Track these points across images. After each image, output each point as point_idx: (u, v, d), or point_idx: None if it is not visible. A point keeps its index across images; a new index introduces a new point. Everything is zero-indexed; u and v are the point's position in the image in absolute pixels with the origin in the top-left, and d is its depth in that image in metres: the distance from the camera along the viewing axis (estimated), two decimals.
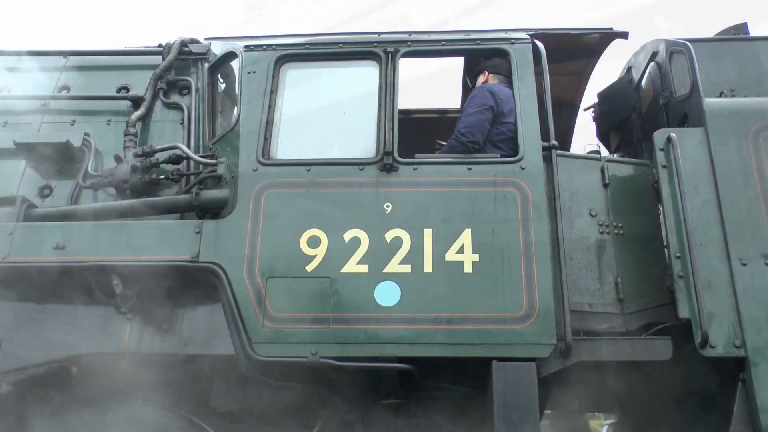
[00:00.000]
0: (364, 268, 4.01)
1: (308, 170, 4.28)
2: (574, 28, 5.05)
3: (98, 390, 4.32)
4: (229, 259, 4.07)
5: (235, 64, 4.91)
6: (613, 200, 4.44)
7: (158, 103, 5.12)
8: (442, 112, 6.26)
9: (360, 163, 4.28)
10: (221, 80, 5.13)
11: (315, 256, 4.05)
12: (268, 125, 4.45)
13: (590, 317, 4.16)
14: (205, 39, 5.35)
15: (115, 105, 5.15)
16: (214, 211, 4.39)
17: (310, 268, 4.03)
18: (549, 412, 5.85)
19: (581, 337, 4.03)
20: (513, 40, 4.66)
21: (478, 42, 4.74)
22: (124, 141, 4.79)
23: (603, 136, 6.05)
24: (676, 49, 4.87)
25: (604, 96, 5.97)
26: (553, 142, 4.34)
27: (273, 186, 4.24)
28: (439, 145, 4.86)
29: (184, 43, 5.25)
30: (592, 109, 6.00)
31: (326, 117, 4.61)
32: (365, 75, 4.60)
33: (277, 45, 4.73)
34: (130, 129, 4.84)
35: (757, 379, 3.73)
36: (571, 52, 5.24)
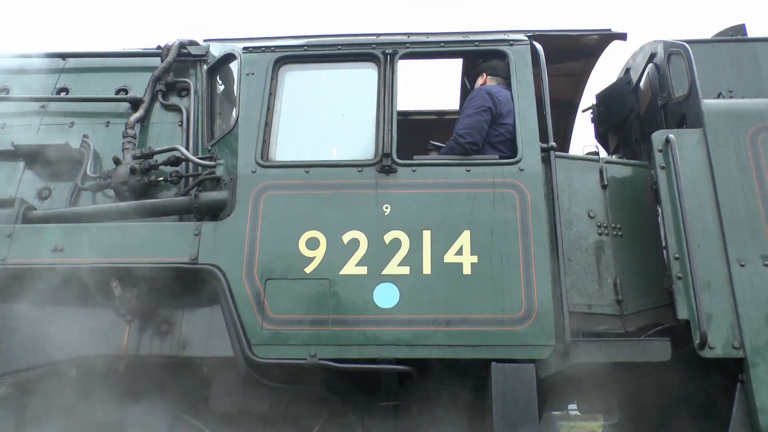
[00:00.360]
0: (363, 270, 4.01)
1: (307, 172, 4.28)
2: (573, 30, 5.06)
3: (97, 392, 4.31)
4: (228, 261, 4.07)
5: (233, 66, 4.91)
6: (611, 201, 4.44)
7: (157, 105, 5.13)
8: (441, 113, 6.27)
9: (359, 165, 4.29)
10: (220, 82, 5.14)
11: (314, 257, 4.05)
12: (267, 127, 4.45)
13: (589, 318, 4.16)
14: (204, 41, 5.35)
15: (114, 107, 5.15)
16: (213, 212, 4.39)
17: (309, 269, 4.03)
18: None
19: (580, 339, 4.03)
20: (511, 42, 4.67)
21: (477, 44, 4.74)
22: (123, 143, 4.80)
23: (601, 137, 6.06)
24: (674, 50, 4.88)
25: (603, 97, 5.98)
26: (552, 143, 4.35)
27: (272, 188, 4.24)
28: (432, 146, 4.86)
29: (182, 45, 5.26)
30: (591, 111, 6.01)
31: (325, 119, 4.61)
32: (364, 77, 4.61)
33: (275, 47, 4.73)
34: (128, 131, 4.84)
35: (756, 380, 3.74)
36: (570, 53, 5.25)
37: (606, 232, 4.35)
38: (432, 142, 4.90)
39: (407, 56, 4.65)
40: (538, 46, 4.66)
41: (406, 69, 4.81)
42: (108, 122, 5.10)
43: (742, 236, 4.01)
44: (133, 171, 4.54)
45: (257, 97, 4.54)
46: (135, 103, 5.05)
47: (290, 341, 3.91)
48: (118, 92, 5.22)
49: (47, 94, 5.22)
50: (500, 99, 4.57)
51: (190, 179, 4.67)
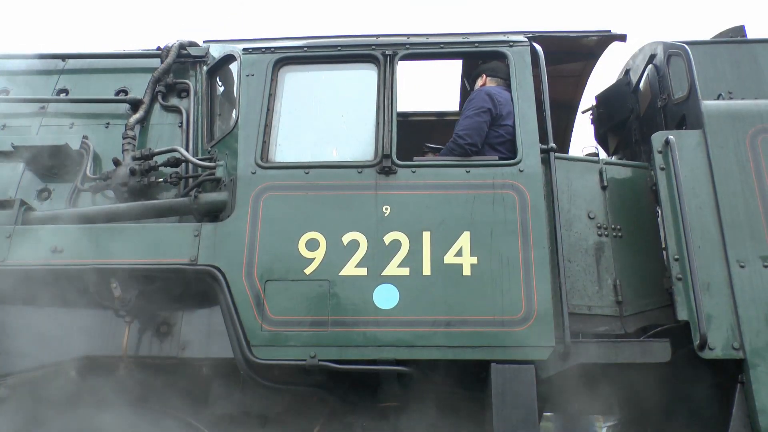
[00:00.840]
0: (362, 271, 4.01)
1: (307, 173, 4.28)
2: (572, 31, 5.06)
3: (96, 393, 4.31)
4: (228, 262, 4.07)
5: (233, 67, 4.91)
6: (611, 202, 4.44)
7: (157, 106, 5.13)
8: (441, 114, 6.27)
9: (358, 166, 4.29)
10: (220, 83, 5.14)
11: (314, 258, 4.05)
12: (267, 128, 4.46)
13: (589, 320, 4.16)
14: (204, 42, 5.35)
15: (114, 108, 5.15)
16: (213, 213, 4.39)
17: (308, 270, 4.03)
18: (549, 414, 5.86)
19: (580, 340, 4.03)
20: (511, 43, 4.67)
21: (476, 45, 4.74)
22: (123, 144, 4.80)
23: (601, 138, 6.06)
24: (673, 51, 4.88)
25: (602, 98, 5.99)
26: (552, 144, 4.35)
27: (271, 189, 4.24)
28: (428, 149, 4.86)
29: (182, 46, 5.25)
30: (591, 112, 6.01)
31: (325, 120, 4.61)
32: (364, 78, 4.61)
33: (275, 48, 4.73)
34: (128, 132, 4.84)
35: (756, 381, 3.74)
36: (570, 54, 5.26)
37: (606, 233, 4.35)
38: (428, 144, 4.90)
39: (407, 57, 4.66)
40: (538, 47, 4.67)
41: (405, 70, 4.82)
42: (108, 123, 5.09)
43: (741, 237, 4.02)
44: (132, 172, 4.54)
45: (257, 98, 4.54)
46: (135, 105, 5.05)
47: (290, 342, 3.91)
48: (117, 93, 5.22)
49: (47, 95, 5.22)
50: (500, 100, 4.57)
51: (190, 180, 4.66)
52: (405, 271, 3.99)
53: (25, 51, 5.44)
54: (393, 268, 4.00)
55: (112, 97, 5.19)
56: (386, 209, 4.14)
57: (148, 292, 4.29)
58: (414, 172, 4.26)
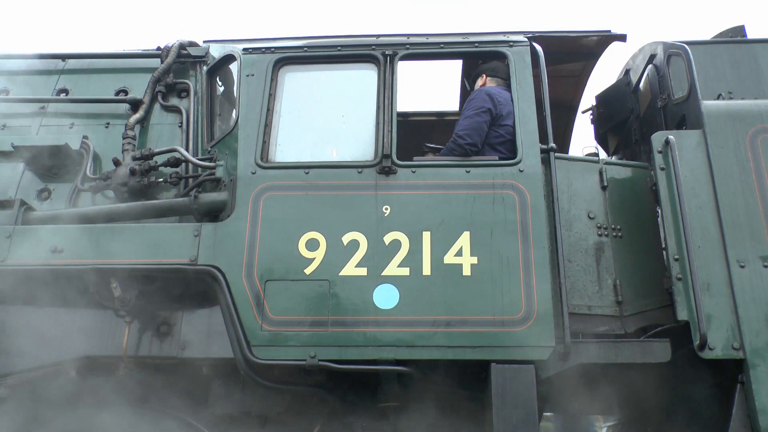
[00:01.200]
0: (362, 271, 4.01)
1: (307, 173, 4.28)
2: (572, 31, 5.06)
3: (96, 393, 4.31)
4: (228, 262, 4.07)
5: (233, 67, 4.91)
6: (611, 202, 4.44)
7: (157, 106, 5.12)
8: (441, 114, 6.27)
9: (358, 166, 4.29)
10: (220, 83, 5.14)
11: (314, 258, 4.05)
12: (267, 128, 4.46)
13: (589, 320, 4.16)
14: (204, 42, 5.35)
15: (114, 108, 5.15)
16: (213, 214, 4.39)
17: (308, 270, 4.03)
18: (549, 414, 5.86)
19: (580, 340, 4.03)
20: (511, 43, 4.67)
21: (476, 45, 4.74)
22: (123, 144, 4.80)
23: (601, 138, 6.06)
24: (673, 51, 4.88)
25: (602, 98, 5.99)
26: (552, 144, 4.35)
27: (271, 189, 4.24)
28: (428, 149, 4.86)
29: (182, 46, 5.25)
30: (591, 112, 6.01)
31: (325, 120, 4.61)
32: (364, 78, 4.61)
33: (275, 48, 4.73)
34: (128, 132, 4.84)
35: (756, 381, 3.74)
36: (570, 54, 5.26)
37: (606, 233, 4.35)
38: (428, 144, 4.91)
39: (407, 57, 4.66)
40: (538, 47, 4.67)
41: (405, 70, 4.82)
42: (108, 123, 5.09)
43: (741, 237, 4.02)
44: (132, 172, 4.54)
45: (257, 98, 4.54)
46: (135, 105, 5.05)
47: (290, 342, 3.91)
48: (117, 93, 5.22)
49: (47, 95, 5.22)
50: (500, 100, 4.57)
51: (190, 180, 4.66)
52: (405, 271, 3.99)
53: (25, 51, 5.44)
54: (393, 268, 4.00)
55: (112, 97, 5.19)
56: (386, 209, 4.14)
57: (148, 292, 4.29)
58: (414, 172, 4.26)
